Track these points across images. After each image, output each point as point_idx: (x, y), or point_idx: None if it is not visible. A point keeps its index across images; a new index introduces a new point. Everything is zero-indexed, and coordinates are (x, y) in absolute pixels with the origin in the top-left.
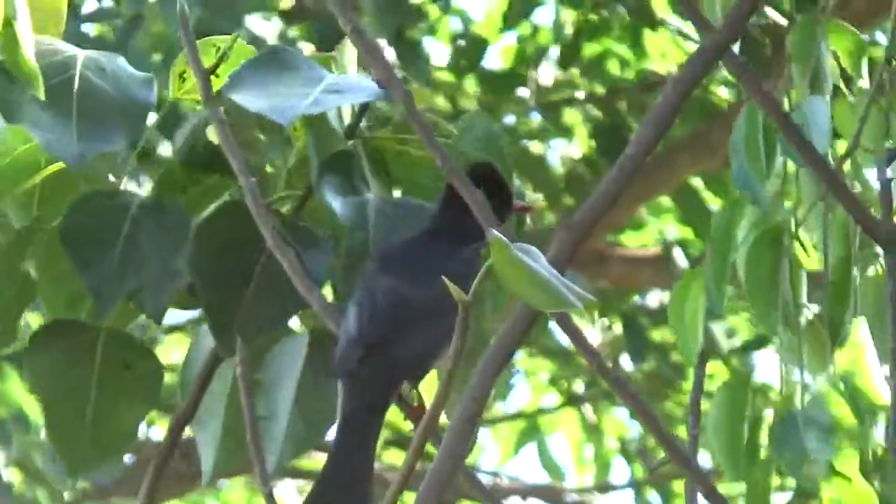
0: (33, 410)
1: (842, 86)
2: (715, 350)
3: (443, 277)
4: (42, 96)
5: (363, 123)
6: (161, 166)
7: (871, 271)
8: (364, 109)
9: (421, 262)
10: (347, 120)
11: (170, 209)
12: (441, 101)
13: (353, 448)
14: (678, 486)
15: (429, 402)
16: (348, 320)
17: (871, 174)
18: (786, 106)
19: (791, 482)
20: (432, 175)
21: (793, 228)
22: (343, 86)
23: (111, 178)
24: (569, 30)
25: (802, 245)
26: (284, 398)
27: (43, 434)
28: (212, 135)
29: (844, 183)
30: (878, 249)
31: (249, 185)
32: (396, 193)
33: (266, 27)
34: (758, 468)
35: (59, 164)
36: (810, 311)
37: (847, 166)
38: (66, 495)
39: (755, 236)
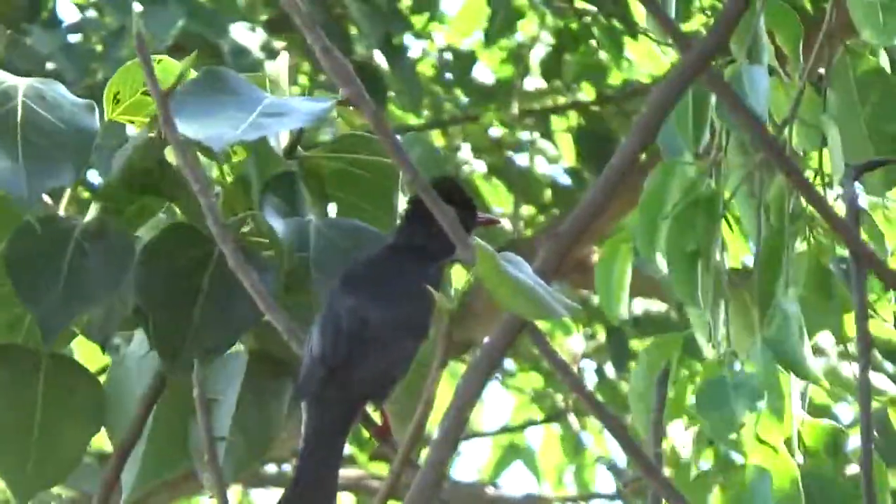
0: None
1: (777, 67)
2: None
3: (425, 288)
4: None
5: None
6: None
7: (801, 243)
8: (301, 130)
9: (384, 282)
10: (285, 141)
11: (113, 233)
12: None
13: (316, 468)
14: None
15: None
16: (312, 341)
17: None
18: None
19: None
20: (372, 194)
21: (724, 198)
22: (282, 109)
23: (48, 201)
24: (551, 40)
25: (728, 217)
26: (224, 416)
27: None
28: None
29: (783, 149)
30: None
31: (210, 203)
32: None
33: (250, 37)
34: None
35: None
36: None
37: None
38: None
39: (684, 204)
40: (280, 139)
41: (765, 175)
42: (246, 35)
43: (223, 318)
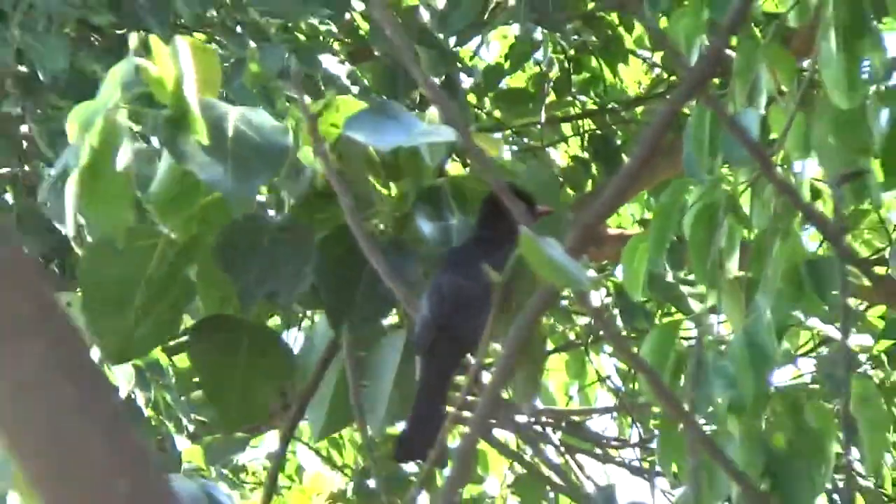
0: (164, 359)
1: (776, 95)
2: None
3: (484, 266)
4: (206, 142)
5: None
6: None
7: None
8: (448, 155)
9: (471, 262)
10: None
11: (299, 228)
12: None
13: (429, 405)
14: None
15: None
16: (422, 308)
17: (796, 166)
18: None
19: None
20: None
21: (727, 205)
22: (430, 132)
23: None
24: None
25: (738, 217)
26: (387, 379)
27: (173, 380)
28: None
29: (773, 165)
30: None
31: (348, 204)
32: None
33: (339, 68)
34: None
35: (215, 195)
36: (732, 272)
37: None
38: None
39: (697, 209)
40: (432, 161)
41: (759, 187)
42: (333, 64)
43: (377, 296)
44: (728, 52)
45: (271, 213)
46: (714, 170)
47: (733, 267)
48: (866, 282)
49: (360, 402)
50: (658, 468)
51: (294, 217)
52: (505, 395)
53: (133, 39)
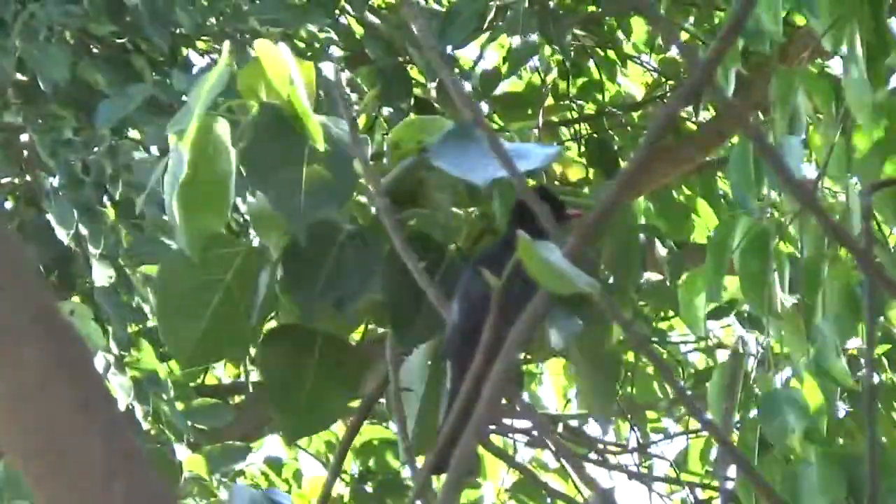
0: (163, 372)
1: (814, 119)
2: None
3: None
4: (322, 146)
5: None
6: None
7: (836, 268)
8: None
9: (500, 266)
10: None
11: (368, 238)
12: None
13: (459, 412)
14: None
15: None
16: (452, 313)
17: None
18: (770, 139)
19: None
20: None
21: (778, 234)
22: (520, 153)
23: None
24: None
25: (787, 246)
26: (418, 385)
27: (172, 392)
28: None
29: (817, 198)
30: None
31: (383, 204)
32: None
33: (336, 73)
34: (747, 430)
35: None
36: (789, 301)
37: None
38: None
39: (748, 239)
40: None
41: (805, 217)
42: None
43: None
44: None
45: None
46: (761, 198)
47: (785, 295)
48: None
49: (398, 406)
50: (656, 472)
51: (364, 228)
52: (504, 400)
53: (227, 46)
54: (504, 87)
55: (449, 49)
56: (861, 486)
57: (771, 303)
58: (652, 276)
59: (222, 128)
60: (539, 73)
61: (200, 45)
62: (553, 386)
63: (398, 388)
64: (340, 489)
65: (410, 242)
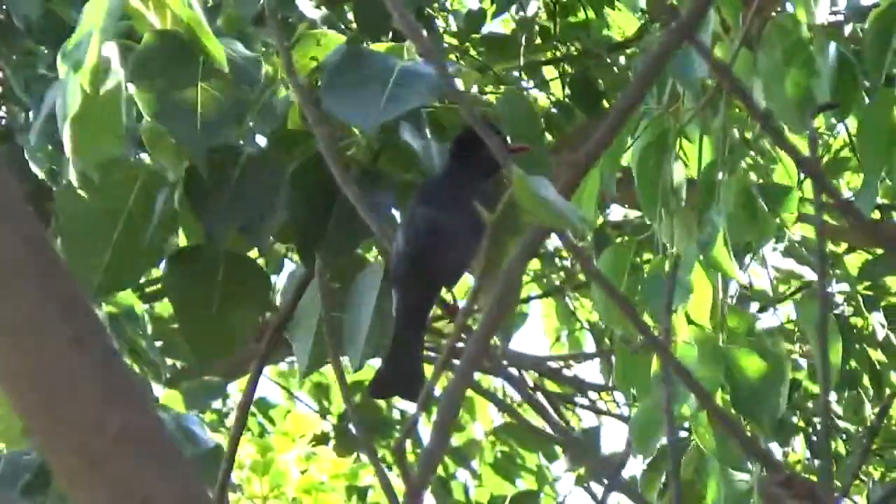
0: (139, 307)
1: (720, 31)
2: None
3: (475, 204)
4: (225, 67)
5: None
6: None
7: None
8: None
9: (449, 195)
10: None
11: (270, 161)
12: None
13: (406, 339)
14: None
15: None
16: (397, 241)
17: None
18: None
19: None
20: None
21: (675, 133)
22: (412, 77)
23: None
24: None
25: (683, 150)
26: (365, 312)
27: (150, 328)
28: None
29: (736, 78)
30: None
31: (323, 133)
32: None
33: (314, 12)
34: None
35: None
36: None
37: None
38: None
39: (646, 140)
40: None
41: (708, 116)
42: (311, 9)
43: (350, 228)
44: None
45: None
46: (662, 100)
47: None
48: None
49: (333, 335)
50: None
51: (266, 150)
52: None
53: None
54: (493, 28)
55: None
56: (739, 378)
57: (666, 200)
58: (631, 213)
59: (111, 50)
60: (525, 14)
61: None
62: (544, 328)
63: (329, 318)
64: (326, 427)
65: (309, 168)
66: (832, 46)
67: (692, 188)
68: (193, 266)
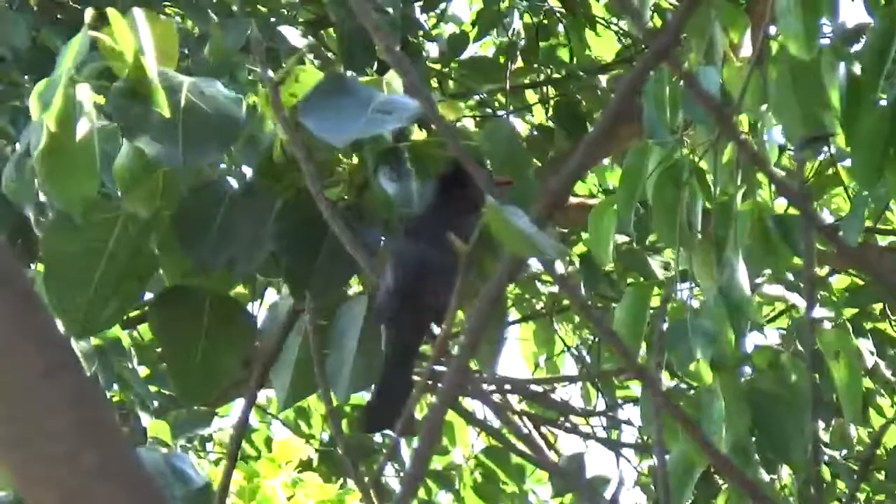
0: (126, 339)
1: (730, 53)
2: (650, 276)
3: (450, 235)
4: (167, 114)
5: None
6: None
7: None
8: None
9: (432, 231)
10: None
11: (257, 196)
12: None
13: (396, 374)
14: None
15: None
16: (385, 278)
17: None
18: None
19: None
20: None
21: (690, 167)
22: (391, 106)
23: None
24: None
25: (699, 180)
26: (350, 345)
27: (136, 361)
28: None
29: (733, 123)
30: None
31: (310, 170)
32: None
33: (300, 39)
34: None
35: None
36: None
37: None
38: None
39: (660, 172)
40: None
41: (720, 148)
42: (296, 37)
43: (338, 264)
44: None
45: (232, 182)
46: (676, 129)
47: (697, 228)
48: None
49: (322, 369)
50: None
51: (252, 185)
52: (473, 365)
53: (89, 13)
54: (474, 51)
55: (417, 10)
56: (767, 417)
57: (683, 235)
58: (619, 238)
59: (83, 92)
60: (508, 36)
61: (168, 10)
62: (522, 352)
63: (319, 352)
64: (311, 453)
65: (297, 203)
66: (841, 66)
67: (708, 218)
68: (179, 308)
